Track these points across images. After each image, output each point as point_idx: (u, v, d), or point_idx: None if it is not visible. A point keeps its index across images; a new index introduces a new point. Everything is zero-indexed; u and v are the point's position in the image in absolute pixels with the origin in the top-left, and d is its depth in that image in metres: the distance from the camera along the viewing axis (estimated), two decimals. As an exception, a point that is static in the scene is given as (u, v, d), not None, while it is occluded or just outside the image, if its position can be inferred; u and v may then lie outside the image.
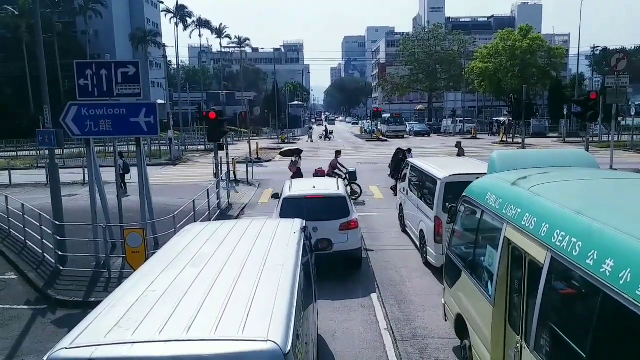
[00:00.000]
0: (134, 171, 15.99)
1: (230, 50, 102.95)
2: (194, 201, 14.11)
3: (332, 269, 10.57)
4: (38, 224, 12.44)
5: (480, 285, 6.16)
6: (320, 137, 60.03)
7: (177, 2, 71.34)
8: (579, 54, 58.63)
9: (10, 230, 14.47)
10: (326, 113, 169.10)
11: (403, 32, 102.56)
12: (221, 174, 20.67)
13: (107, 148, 30.69)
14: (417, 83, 79.45)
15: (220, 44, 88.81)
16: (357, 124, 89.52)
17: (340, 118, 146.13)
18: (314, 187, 11.83)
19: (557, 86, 57.67)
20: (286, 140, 53.23)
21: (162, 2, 77.23)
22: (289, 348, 3.40)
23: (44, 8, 51.61)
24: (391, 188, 19.80)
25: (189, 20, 78.06)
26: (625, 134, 40.94)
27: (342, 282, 10.64)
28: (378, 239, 13.91)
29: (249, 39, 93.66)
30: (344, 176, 19.56)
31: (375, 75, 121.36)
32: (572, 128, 48.49)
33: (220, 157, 21.34)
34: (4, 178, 24.92)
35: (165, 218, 12.47)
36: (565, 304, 4.68)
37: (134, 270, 5.60)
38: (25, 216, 13.34)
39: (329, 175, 19.57)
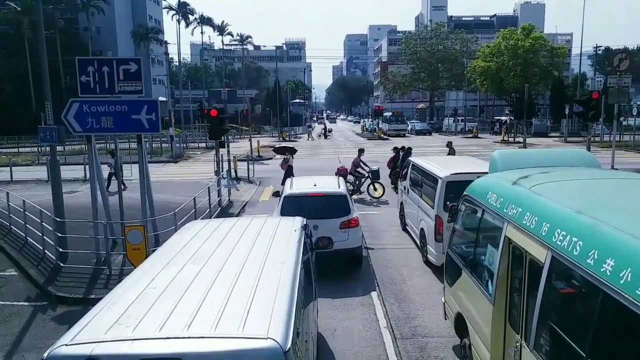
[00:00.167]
0: (134, 168, 16.00)
1: (232, 47, 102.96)
2: (194, 199, 14.12)
3: (332, 267, 10.58)
4: (39, 221, 12.44)
5: (480, 284, 6.16)
6: (319, 136, 60.06)
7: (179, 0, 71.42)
8: (581, 53, 58.41)
9: (11, 226, 14.49)
10: (327, 111, 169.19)
11: (405, 31, 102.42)
12: (222, 171, 20.67)
13: (108, 145, 30.69)
14: (418, 82, 79.40)
15: (222, 42, 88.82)
16: (359, 122, 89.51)
17: (342, 116, 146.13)
18: (315, 185, 11.83)
19: (559, 86, 57.57)
20: (287, 138, 53.26)
21: (165, -1, 77.30)
22: (289, 346, 3.40)
23: (46, 4, 51.54)
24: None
25: (191, 18, 78.22)
26: (627, 134, 40.87)
27: (342, 280, 10.65)
28: (378, 237, 13.92)
29: (250, 37, 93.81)
30: (366, 175, 19.56)
31: (377, 73, 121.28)
32: (574, 128, 48.43)
33: (222, 155, 21.33)
34: (5, 174, 24.96)
35: (166, 215, 12.47)
36: (565, 303, 4.68)
37: (135, 268, 5.61)
38: (26, 213, 13.35)
39: (351, 173, 19.57)
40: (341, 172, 19.44)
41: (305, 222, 6.85)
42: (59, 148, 16.56)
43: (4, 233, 14.46)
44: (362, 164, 19.94)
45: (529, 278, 5.02)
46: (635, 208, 4.51)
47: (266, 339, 3.38)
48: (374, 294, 10.00)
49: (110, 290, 4.46)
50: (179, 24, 73.04)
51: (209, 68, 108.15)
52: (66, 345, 3.43)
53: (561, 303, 4.70)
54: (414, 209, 13.01)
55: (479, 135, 52.75)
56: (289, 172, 21.03)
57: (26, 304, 10.14)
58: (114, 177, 20.27)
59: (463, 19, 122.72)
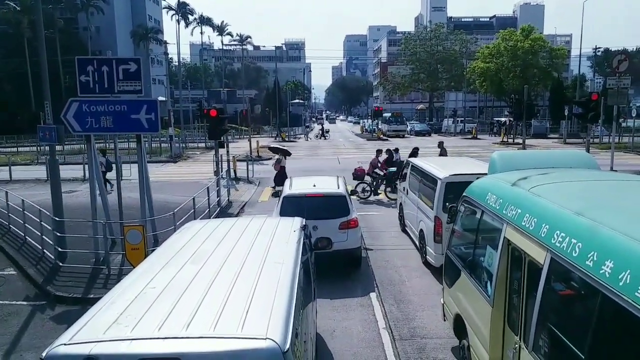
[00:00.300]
0: (133, 168, 15.98)
1: (232, 47, 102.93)
2: (194, 199, 14.10)
3: (331, 268, 10.57)
4: (38, 220, 12.43)
5: (479, 286, 6.16)
6: (317, 136, 60.12)
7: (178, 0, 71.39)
8: (580, 54, 58.49)
9: (10, 226, 14.48)
10: (327, 112, 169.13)
11: (405, 32, 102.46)
12: (221, 171, 20.67)
13: (107, 145, 30.67)
14: (418, 82, 79.43)
15: (222, 42, 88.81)
16: (359, 123, 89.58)
17: (341, 117, 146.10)
18: (314, 185, 11.83)
19: (559, 87, 57.61)
20: (286, 139, 53.27)
21: (164, -1, 77.27)
22: (287, 346, 3.40)
23: (45, 4, 51.51)
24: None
25: (191, 18, 78.10)
26: (626, 135, 40.89)
27: (341, 281, 10.65)
28: (378, 238, 13.92)
29: (250, 37, 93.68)
30: (383, 175, 19.49)
31: (376, 74, 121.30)
32: (573, 129, 48.46)
33: (221, 155, 21.34)
34: (4, 174, 24.93)
35: (165, 215, 12.46)
36: (564, 305, 4.68)
37: (134, 267, 5.61)
38: (25, 212, 13.33)
39: (369, 174, 19.49)
40: (358, 173, 19.41)
41: (304, 223, 6.84)
42: (58, 147, 16.52)
43: (3, 232, 14.44)
44: (380, 165, 19.85)
45: (528, 279, 5.02)
46: (634, 210, 4.51)
47: (265, 339, 3.38)
48: (373, 295, 10.00)
49: (109, 290, 4.46)
50: (179, 24, 73.01)
51: (209, 68, 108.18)
52: (65, 344, 3.42)
53: (560, 305, 4.70)
54: (413, 210, 13.01)
55: (478, 137, 52.74)
56: (281, 173, 21.18)
57: (25, 303, 10.13)
58: (111, 177, 20.25)
59: (462, 19, 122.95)
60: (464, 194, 7.18)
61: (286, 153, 23.24)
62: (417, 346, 7.93)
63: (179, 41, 75.53)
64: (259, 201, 19.62)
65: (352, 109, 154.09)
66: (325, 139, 57.30)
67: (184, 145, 41.75)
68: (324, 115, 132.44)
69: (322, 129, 61.75)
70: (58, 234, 11.77)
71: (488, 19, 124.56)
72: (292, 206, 10.54)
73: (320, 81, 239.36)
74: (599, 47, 69.03)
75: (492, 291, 5.70)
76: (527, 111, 37.94)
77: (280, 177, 21.29)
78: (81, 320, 3.77)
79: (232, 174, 23.59)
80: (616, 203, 4.84)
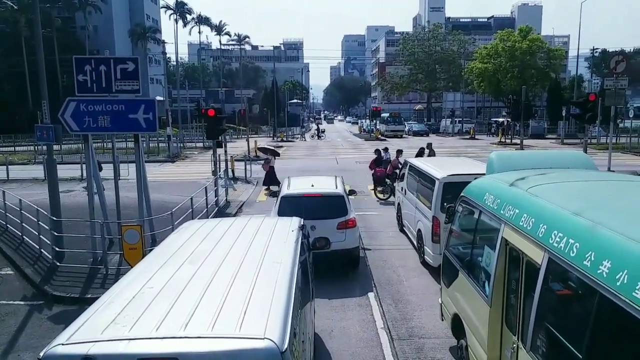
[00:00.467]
0: (131, 168, 15.95)
1: (230, 47, 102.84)
2: (191, 198, 14.08)
3: (329, 268, 10.57)
4: (35, 220, 12.40)
5: (477, 286, 6.17)
6: (312, 137, 60.12)
7: (176, -1, 71.34)
8: (578, 55, 58.56)
9: (8, 225, 14.44)
10: (325, 112, 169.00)
11: (403, 32, 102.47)
12: (219, 171, 20.65)
13: (105, 144, 30.60)
14: (416, 83, 79.48)
15: (220, 41, 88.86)
16: (357, 123, 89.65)
17: (339, 117, 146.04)
18: (312, 185, 11.82)
19: (556, 87, 57.74)
20: (285, 139, 53.25)
21: (162, -1, 77.17)
22: (285, 346, 3.40)
23: (43, 3, 51.28)
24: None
25: (189, 17, 78.14)
26: (624, 136, 41.05)
27: (339, 281, 10.65)
28: (376, 238, 13.92)
29: (248, 37, 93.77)
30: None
31: (374, 74, 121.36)
32: (571, 129, 48.57)
33: (219, 155, 21.31)
34: (1, 173, 24.85)
35: (163, 215, 12.45)
36: (562, 304, 4.69)
37: (131, 267, 5.60)
38: (22, 212, 13.30)
39: (388, 175, 19.46)
40: (378, 174, 19.40)
41: (302, 223, 6.84)
42: (55, 147, 16.48)
43: (0, 232, 14.40)
44: (400, 165, 19.78)
45: (526, 279, 5.03)
46: (631, 210, 4.52)
47: (263, 339, 3.38)
48: (371, 295, 10.00)
49: (107, 290, 4.45)
50: (177, 23, 72.95)
51: (207, 68, 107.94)
52: (62, 344, 3.42)
53: (558, 305, 4.71)
54: (411, 210, 13.02)
55: (476, 137, 52.84)
56: (270, 173, 21.25)
57: (22, 303, 10.11)
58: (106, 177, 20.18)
59: (461, 20, 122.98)
60: (461, 194, 7.19)
61: (275, 153, 23.34)
62: (415, 346, 7.93)
63: (177, 41, 75.83)
64: (256, 201, 19.62)
65: (350, 109, 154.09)
66: (320, 139, 57.31)
67: (181, 145, 41.67)
68: (322, 115, 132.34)
69: (318, 129, 61.75)
70: (55, 234, 11.75)
71: (486, 20, 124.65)
72: (290, 206, 10.54)
73: (319, 81, 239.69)
74: (597, 48, 69.10)
75: (490, 291, 5.71)
76: (525, 112, 37.92)
77: (269, 178, 21.41)
78: (79, 320, 3.76)
79: (230, 174, 23.55)
80: (614, 203, 4.85)
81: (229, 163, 23.46)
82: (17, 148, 41.33)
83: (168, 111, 42.85)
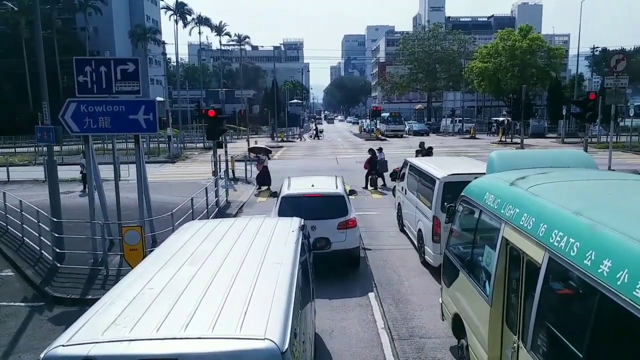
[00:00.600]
0: (132, 168, 15.97)
1: (230, 48, 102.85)
2: (192, 199, 14.09)
3: (330, 268, 10.57)
4: (36, 221, 12.41)
5: (477, 285, 6.16)
6: (311, 137, 60.14)
7: (176, 0, 71.30)
8: (578, 54, 58.56)
9: (8, 227, 14.45)
10: (325, 112, 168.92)
11: (403, 31, 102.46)
12: (220, 172, 20.66)
13: (105, 145, 30.62)
14: (416, 82, 79.44)
15: (220, 42, 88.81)
16: (358, 123, 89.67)
17: (340, 117, 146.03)
18: (313, 185, 11.82)
19: (557, 86, 57.68)
20: (285, 139, 53.25)
21: (162, -1, 77.21)
22: (286, 347, 3.40)
23: (43, 4, 51.41)
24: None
25: (189, 18, 78.10)
26: (624, 134, 41.01)
27: (339, 281, 10.65)
28: (376, 238, 13.92)
29: (248, 37, 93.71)
30: None
31: (374, 74, 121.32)
32: (571, 128, 48.54)
33: (219, 155, 21.32)
34: (2, 174, 24.87)
35: (163, 216, 12.46)
36: (562, 304, 4.68)
37: (132, 268, 5.59)
38: (23, 213, 13.31)
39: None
40: (396, 171, 19.52)
41: (303, 223, 6.84)
42: (56, 148, 16.49)
43: (1, 233, 14.41)
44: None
45: (527, 279, 5.03)
46: (632, 209, 4.52)
47: (264, 339, 3.38)
48: (371, 295, 10.00)
49: (108, 291, 4.45)
50: (177, 24, 72.89)
51: (207, 68, 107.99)
52: (63, 345, 3.42)
53: (558, 304, 4.70)
54: (411, 209, 13.02)
55: (477, 136, 52.83)
56: (263, 173, 21.30)
57: (23, 304, 10.11)
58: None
59: (461, 19, 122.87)
60: (462, 193, 7.19)
61: (267, 152, 23.42)
62: (416, 346, 7.93)
63: (177, 41, 75.82)
64: (257, 201, 19.63)
65: (351, 109, 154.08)
66: (319, 139, 57.28)
67: (182, 146, 41.70)
68: (322, 115, 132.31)
69: (316, 130, 61.74)
70: (56, 235, 11.75)
71: (486, 19, 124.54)
72: (291, 206, 10.54)
73: (319, 81, 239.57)
74: (597, 47, 69.27)
75: (490, 291, 5.71)
76: (525, 111, 37.96)
77: (263, 177, 21.50)
78: (79, 322, 3.76)
79: (231, 174, 23.57)
80: (614, 202, 4.85)
81: (229, 163, 23.48)
82: (18, 149, 41.32)
83: (168, 112, 42.88)
